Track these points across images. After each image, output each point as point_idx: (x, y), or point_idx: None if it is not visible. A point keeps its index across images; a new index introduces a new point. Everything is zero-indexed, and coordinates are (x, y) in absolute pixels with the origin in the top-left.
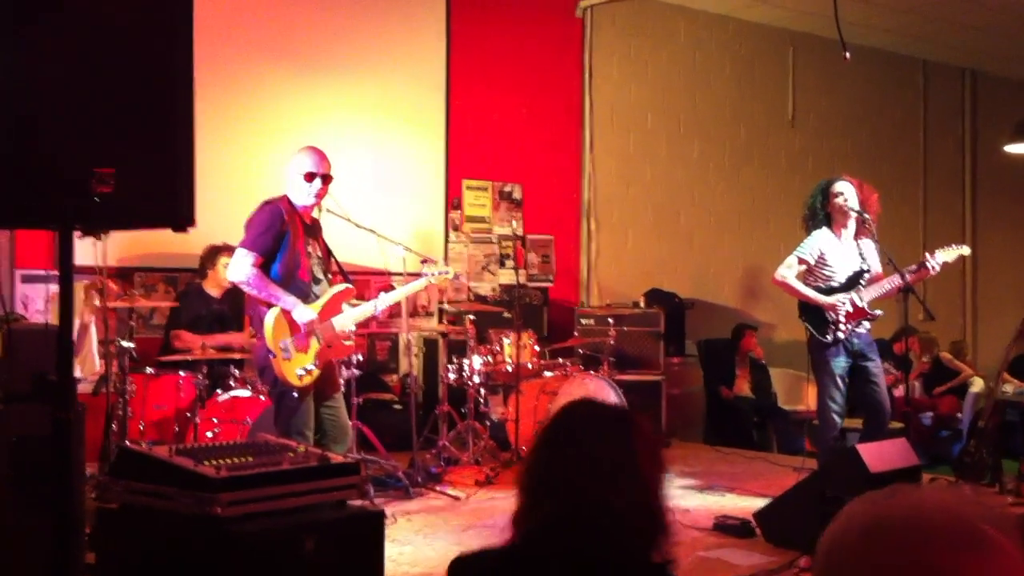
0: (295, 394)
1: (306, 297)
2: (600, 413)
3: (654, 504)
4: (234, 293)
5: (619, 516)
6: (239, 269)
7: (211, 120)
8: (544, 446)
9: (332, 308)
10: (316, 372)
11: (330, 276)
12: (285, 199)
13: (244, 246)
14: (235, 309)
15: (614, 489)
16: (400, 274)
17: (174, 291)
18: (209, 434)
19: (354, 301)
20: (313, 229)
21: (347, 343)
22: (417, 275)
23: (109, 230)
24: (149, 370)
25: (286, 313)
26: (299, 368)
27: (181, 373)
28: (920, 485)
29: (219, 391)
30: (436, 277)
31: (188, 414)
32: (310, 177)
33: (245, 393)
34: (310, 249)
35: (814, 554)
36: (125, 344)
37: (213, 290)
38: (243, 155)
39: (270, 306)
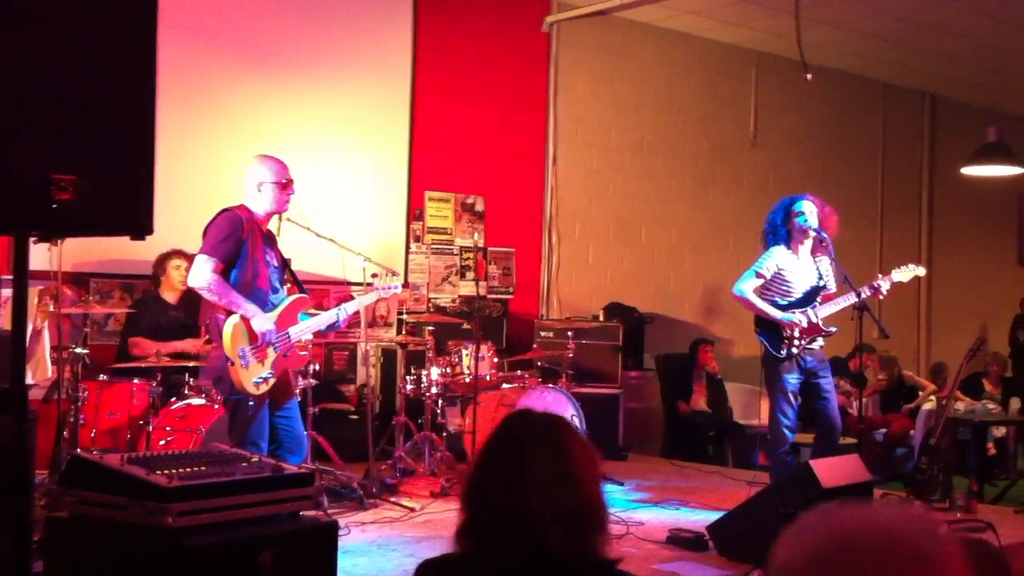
0: (251, 403)
1: (264, 306)
2: (537, 422)
3: (595, 504)
4: (190, 300)
5: (564, 517)
6: (200, 275)
7: (170, 126)
8: (489, 458)
9: (288, 317)
10: (272, 381)
11: (287, 286)
12: (244, 208)
13: (205, 252)
14: (193, 316)
15: (558, 492)
16: (360, 284)
17: (130, 298)
18: (162, 442)
19: (312, 311)
20: (270, 238)
21: (302, 353)
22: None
23: (66, 237)
24: (102, 377)
25: (245, 321)
26: (256, 377)
27: (135, 380)
28: (867, 503)
29: (173, 399)
30: (386, 292)
31: (141, 422)
32: (289, 184)
33: (199, 401)
34: (268, 258)
35: (766, 568)
36: (78, 351)
37: (169, 296)
38: (202, 162)
39: (229, 313)
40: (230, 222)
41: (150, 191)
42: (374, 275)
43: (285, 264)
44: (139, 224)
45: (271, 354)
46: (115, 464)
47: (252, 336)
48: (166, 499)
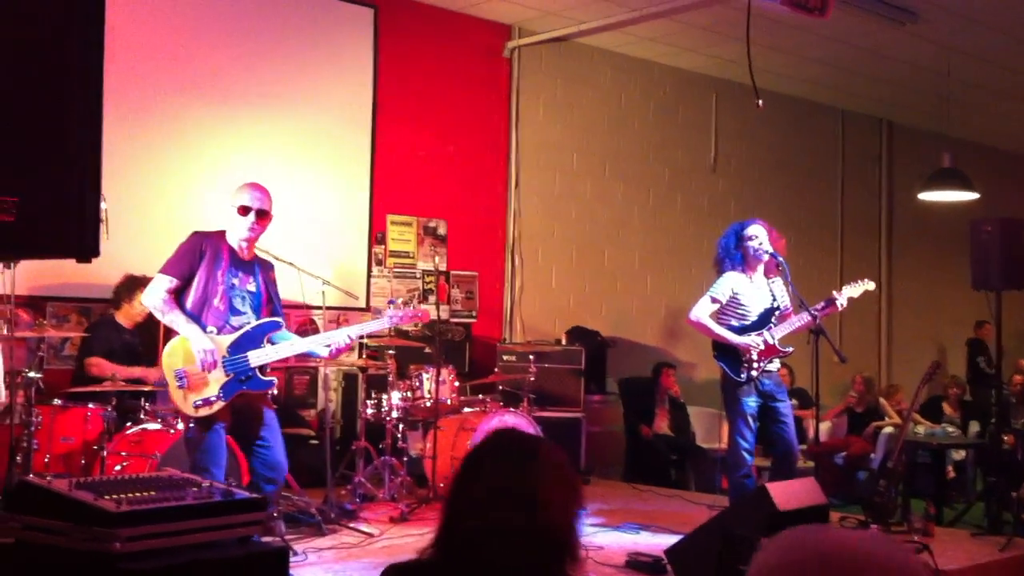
0: (191, 424)
1: (221, 326)
2: (511, 444)
3: (559, 528)
4: (145, 326)
5: (522, 537)
6: (153, 293)
7: (132, 152)
8: (461, 473)
9: (250, 341)
10: (219, 404)
11: (260, 314)
12: (221, 232)
13: (161, 271)
14: (146, 342)
15: (517, 514)
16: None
17: (87, 321)
18: (117, 468)
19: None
20: (248, 265)
21: (266, 378)
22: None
23: (8, 260)
24: (56, 401)
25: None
26: (196, 398)
27: (90, 405)
28: (833, 529)
29: (128, 424)
30: (395, 320)
31: (95, 447)
32: (244, 211)
33: (154, 426)
34: (235, 281)
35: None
36: (32, 374)
37: (125, 321)
38: (164, 187)
39: None
40: (191, 242)
41: (96, 213)
42: (390, 301)
43: (270, 296)
44: (84, 246)
45: (219, 376)
46: (63, 489)
47: (194, 357)
48: (113, 524)
